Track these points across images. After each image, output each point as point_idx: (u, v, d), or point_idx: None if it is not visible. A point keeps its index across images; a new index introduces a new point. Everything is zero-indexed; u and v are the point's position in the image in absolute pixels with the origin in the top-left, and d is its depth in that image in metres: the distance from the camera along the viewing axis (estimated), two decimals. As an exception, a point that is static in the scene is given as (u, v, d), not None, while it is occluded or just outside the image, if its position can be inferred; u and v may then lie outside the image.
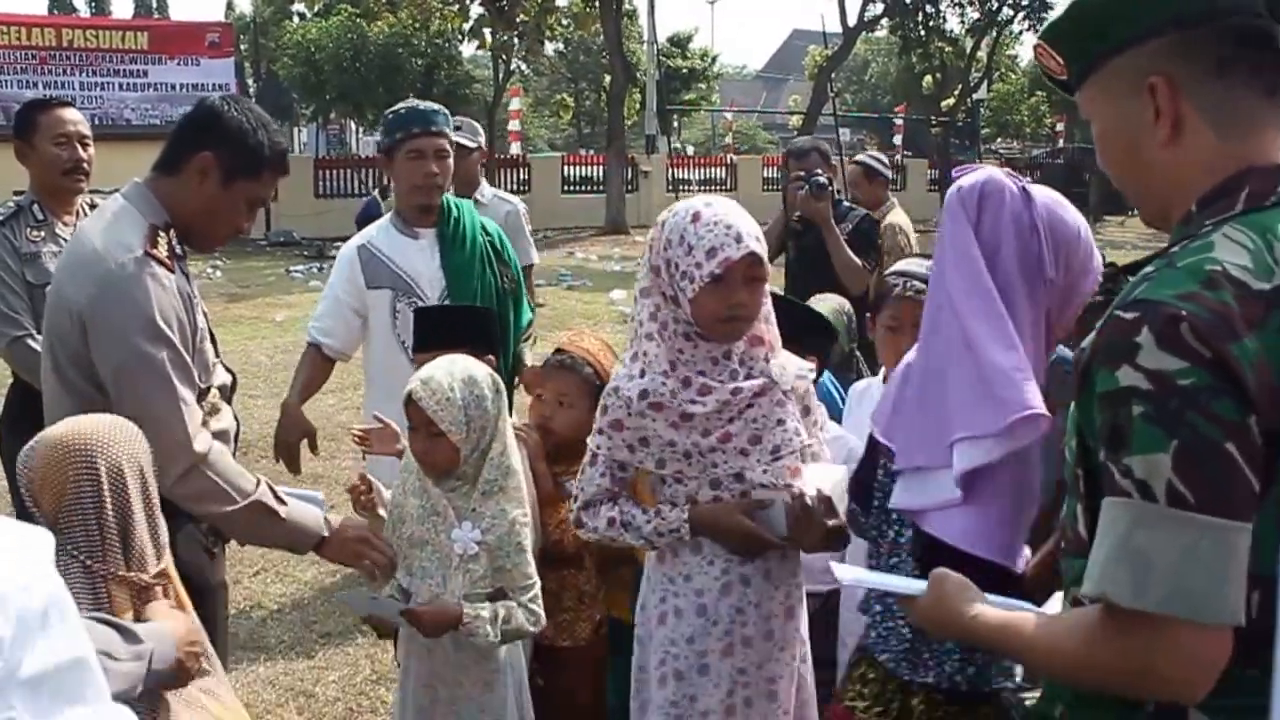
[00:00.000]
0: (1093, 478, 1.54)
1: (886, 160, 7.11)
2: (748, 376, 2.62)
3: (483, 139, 5.85)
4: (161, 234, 2.70)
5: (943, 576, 1.84)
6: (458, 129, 5.72)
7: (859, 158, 7.09)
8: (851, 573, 2.18)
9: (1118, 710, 1.53)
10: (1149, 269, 1.54)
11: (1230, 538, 1.39)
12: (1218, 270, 1.44)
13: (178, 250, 2.76)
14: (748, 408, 2.60)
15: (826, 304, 4.16)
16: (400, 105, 4.28)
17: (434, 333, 3.41)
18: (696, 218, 2.55)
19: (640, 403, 2.57)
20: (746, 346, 2.65)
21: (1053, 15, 1.76)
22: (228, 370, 2.99)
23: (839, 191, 5.65)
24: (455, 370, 2.86)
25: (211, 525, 2.86)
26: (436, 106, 4.24)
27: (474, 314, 3.67)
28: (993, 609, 1.74)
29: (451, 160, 4.15)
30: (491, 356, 3.30)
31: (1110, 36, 1.62)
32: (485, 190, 5.74)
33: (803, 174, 5.37)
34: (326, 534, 2.84)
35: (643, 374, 2.59)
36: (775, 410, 2.64)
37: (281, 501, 2.76)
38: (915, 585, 1.91)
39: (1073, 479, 1.62)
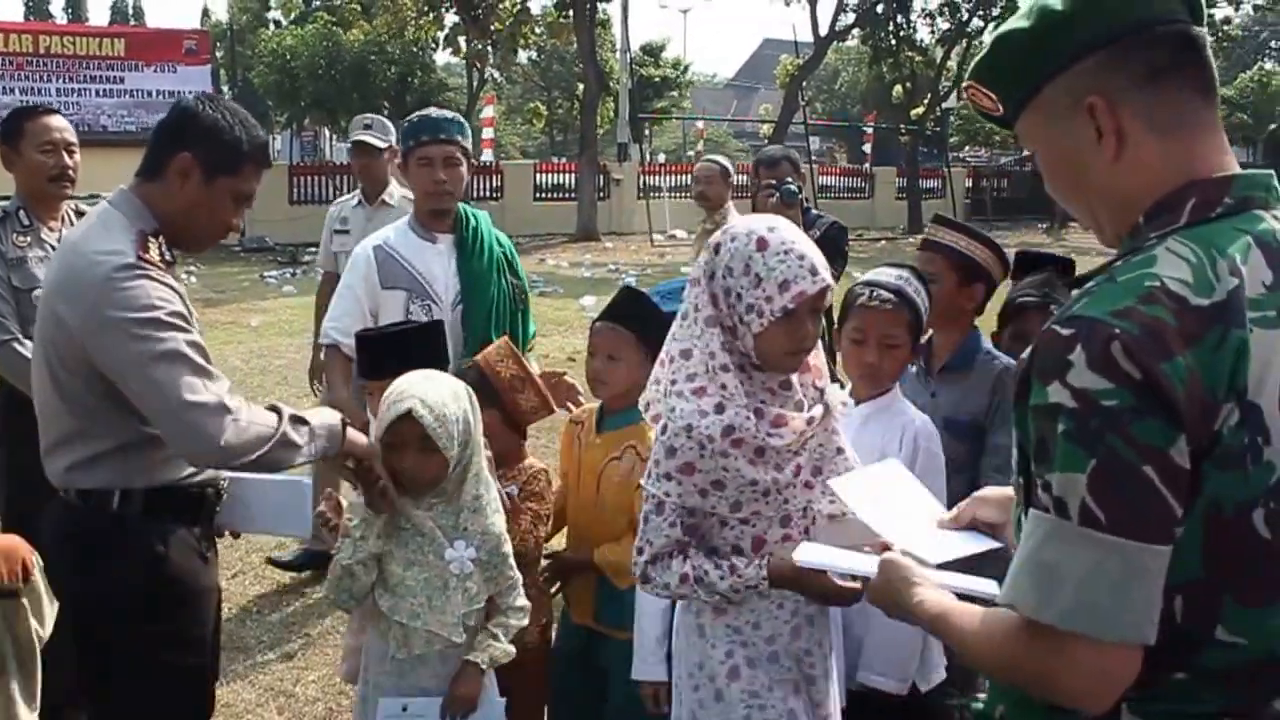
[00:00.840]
0: (1029, 487, 1.56)
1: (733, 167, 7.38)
2: (810, 405, 2.51)
3: (394, 138, 5.83)
4: (151, 239, 2.69)
5: (890, 560, 1.87)
6: (367, 127, 5.83)
7: (717, 158, 7.46)
8: (813, 553, 2.18)
9: (1052, 714, 1.55)
10: (1090, 284, 1.52)
11: (1139, 559, 1.39)
12: (1157, 286, 1.43)
13: (168, 256, 2.75)
14: (810, 438, 2.51)
15: None
16: (416, 114, 4.34)
17: (384, 359, 3.26)
18: (763, 245, 2.37)
19: (724, 440, 2.36)
20: (799, 373, 2.53)
21: (979, 53, 1.72)
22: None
23: (806, 200, 5.72)
24: (443, 387, 2.85)
25: (204, 530, 2.88)
26: (451, 115, 4.29)
27: (421, 333, 3.50)
28: (934, 596, 1.76)
29: (464, 168, 4.20)
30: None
31: (1042, 64, 1.60)
32: (394, 191, 5.80)
33: (774, 182, 5.45)
34: (346, 426, 2.83)
35: (720, 409, 2.37)
36: (832, 439, 2.57)
37: (301, 411, 2.76)
38: (869, 567, 1.94)
39: (1016, 486, 1.63)
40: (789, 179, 5.48)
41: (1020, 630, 1.48)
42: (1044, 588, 1.44)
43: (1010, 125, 1.72)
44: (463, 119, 4.31)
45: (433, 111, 4.32)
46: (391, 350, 3.28)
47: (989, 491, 2.12)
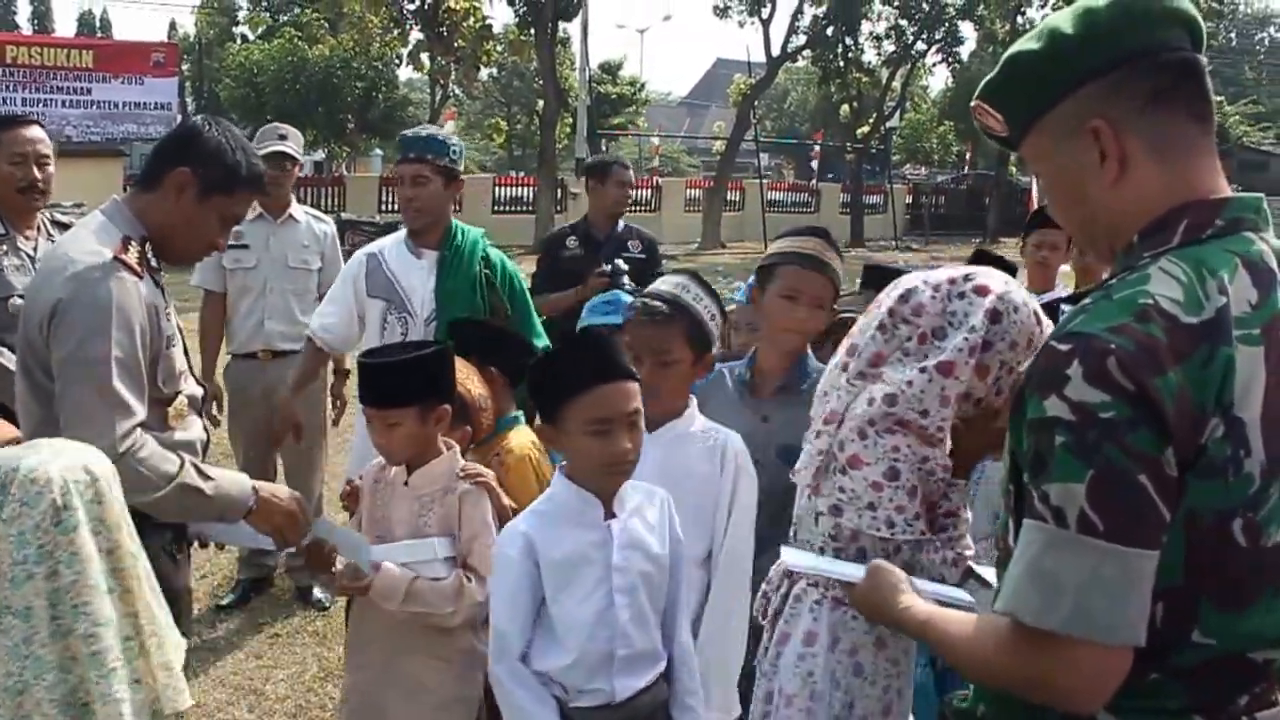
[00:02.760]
0: (1020, 495, 1.56)
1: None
2: None
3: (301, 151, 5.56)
4: (133, 244, 2.70)
5: (878, 566, 1.87)
6: (283, 138, 5.39)
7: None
8: (798, 558, 2.15)
9: (1030, 711, 1.56)
10: (1087, 300, 1.53)
11: (1134, 563, 1.40)
12: (1150, 304, 1.45)
13: (152, 262, 2.77)
14: None
15: None
16: (410, 130, 4.36)
17: (376, 389, 2.89)
18: (1039, 320, 2.19)
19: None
20: None
21: (989, 75, 1.70)
22: (200, 384, 2.99)
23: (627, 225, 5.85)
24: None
25: (177, 532, 2.86)
26: (426, 134, 4.26)
27: (420, 365, 2.92)
28: (922, 603, 1.77)
29: (435, 185, 4.16)
30: (447, 406, 2.94)
31: (1051, 86, 1.61)
32: (297, 206, 5.56)
33: (607, 271, 5.28)
34: (253, 505, 2.79)
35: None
36: None
37: (207, 478, 2.72)
38: (856, 572, 1.93)
39: (1004, 494, 1.64)
40: (619, 261, 5.24)
41: (1017, 636, 1.49)
42: (1044, 595, 1.44)
43: (1015, 146, 1.72)
44: (444, 138, 4.25)
45: (423, 129, 4.33)
46: (378, 383, 2.90)
47: None
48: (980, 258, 4.80)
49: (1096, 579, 1.41)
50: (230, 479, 2.81)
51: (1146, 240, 1.55)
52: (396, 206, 4.34)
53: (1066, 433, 1.42)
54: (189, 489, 2.67)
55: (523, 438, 3.40)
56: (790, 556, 2.13)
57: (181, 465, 2.66)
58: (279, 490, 2.90)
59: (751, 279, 3.27)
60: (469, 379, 3.22)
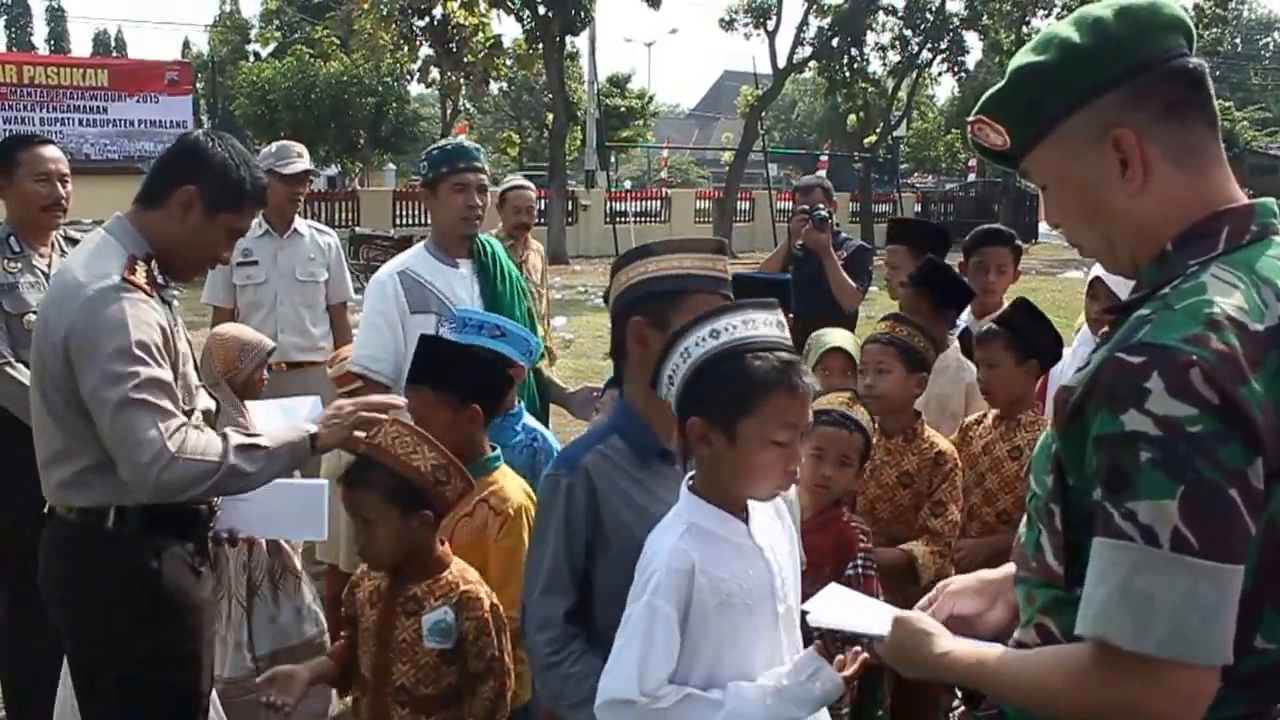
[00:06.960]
0: (1070, 512, 1.52)
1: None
2: None
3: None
4: (140, 263, 2.68)
5: (905, 617, 1.78)
6: (300, 155, 5.49)
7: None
8: (826, 615, 2.04)
9: None
10: (1144, 311, 1.48)
11: (1229, 580, 1.36)
12: (1217, 312, 1.41)
13: (159, 280, 2.75)
14: None
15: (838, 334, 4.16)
16: (444, 142, 4.34)
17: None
18: None
19: None
20: None
21: (991, 89, 1.67)
22: (212, 397, 2.97)
23: (837, 224, 5.97)
24: None
25: (198, 545, 2.82)
26: (476, 145, 4.29)
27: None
28: (962, 645, 1.69)
29: (489, 195, 4.18)
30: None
31: (1064, 98, 1.57)
32: (299, 220, 5.57)
33: (806, 208, 5.69)
34: (314, 429, 2.75)
35: None
36: None
37: (254, 435, 2.71)
38: (881, 626, 1.84)
39: (1043, 510, 1.58)
40: (820, 205, 5.68)
41: (1105, 662, 1.42)
42: (1138, 617, 1.38)
43: (1014, 161, 1.68)
44: (483, 151, 4.31)
45: (464, 142, 4.32)
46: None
47: (959, 582, 1.96)
48: (898, 225, 4.96)
49: (1192, 598, 1.36)
50: (278, 429, 2.78)
51: (1186, 248, 1.52)
52: (410, 220, 4.24)
53: (1152, 448, 1.37)
54: (244, 449, 2.62)
55: (515, 482, 3.04)
56: (816, 615, 2.03)
57: (225, 437, 2.64)
58: (338, 407, 2.81)
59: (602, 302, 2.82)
60: (414, 451, 2.68)
